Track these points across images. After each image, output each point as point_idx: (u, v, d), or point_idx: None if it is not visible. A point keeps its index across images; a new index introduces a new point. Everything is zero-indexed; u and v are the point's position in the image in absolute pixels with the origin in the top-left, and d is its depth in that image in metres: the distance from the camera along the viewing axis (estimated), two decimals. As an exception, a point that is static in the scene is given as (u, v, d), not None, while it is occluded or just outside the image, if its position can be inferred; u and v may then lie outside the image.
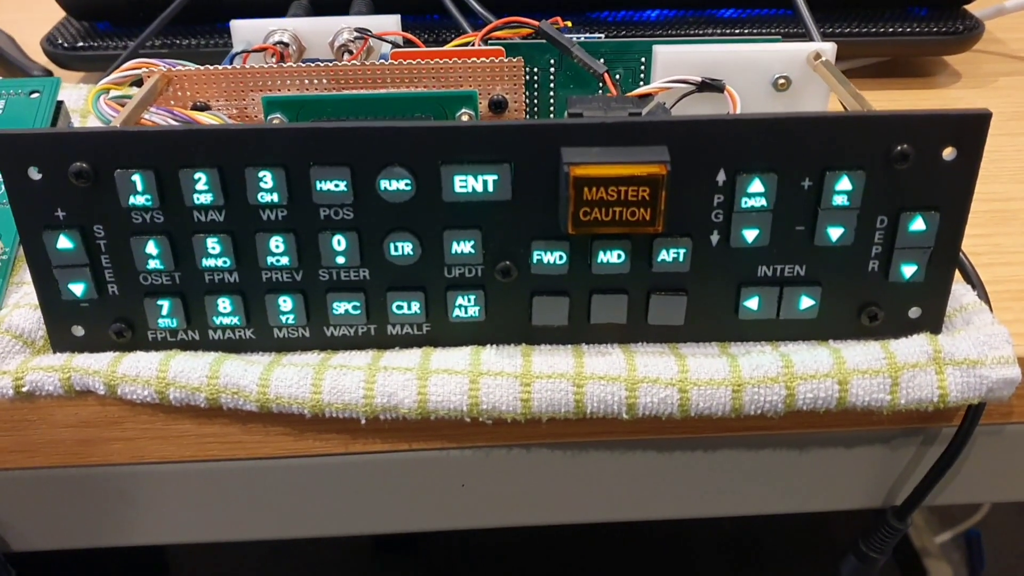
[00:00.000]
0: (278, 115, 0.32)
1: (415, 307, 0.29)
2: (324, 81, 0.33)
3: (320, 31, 0.40)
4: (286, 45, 0.39)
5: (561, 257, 0.28)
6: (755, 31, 0.47)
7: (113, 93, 0.35)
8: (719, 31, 0.47)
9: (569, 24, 0.40)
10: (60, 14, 0.49)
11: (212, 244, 0.28)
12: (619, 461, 0.31)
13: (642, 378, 0.28)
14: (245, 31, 0.40)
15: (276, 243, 0.28)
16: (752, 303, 0.29)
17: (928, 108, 0.26)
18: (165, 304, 0.29)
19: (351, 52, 0.39)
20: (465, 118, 0.32)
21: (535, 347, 0.29)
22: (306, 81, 0.33)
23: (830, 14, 0.48)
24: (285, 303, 0.29)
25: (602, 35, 0.38)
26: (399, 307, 0.29)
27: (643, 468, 0.31)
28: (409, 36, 0.36)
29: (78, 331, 0.29)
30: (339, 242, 0.28)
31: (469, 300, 0.29)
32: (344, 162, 0.27)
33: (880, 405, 0.28)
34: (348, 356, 0.29)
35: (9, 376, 0.28)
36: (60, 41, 0.47)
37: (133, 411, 0.29)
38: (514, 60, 0.33)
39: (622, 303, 0.29)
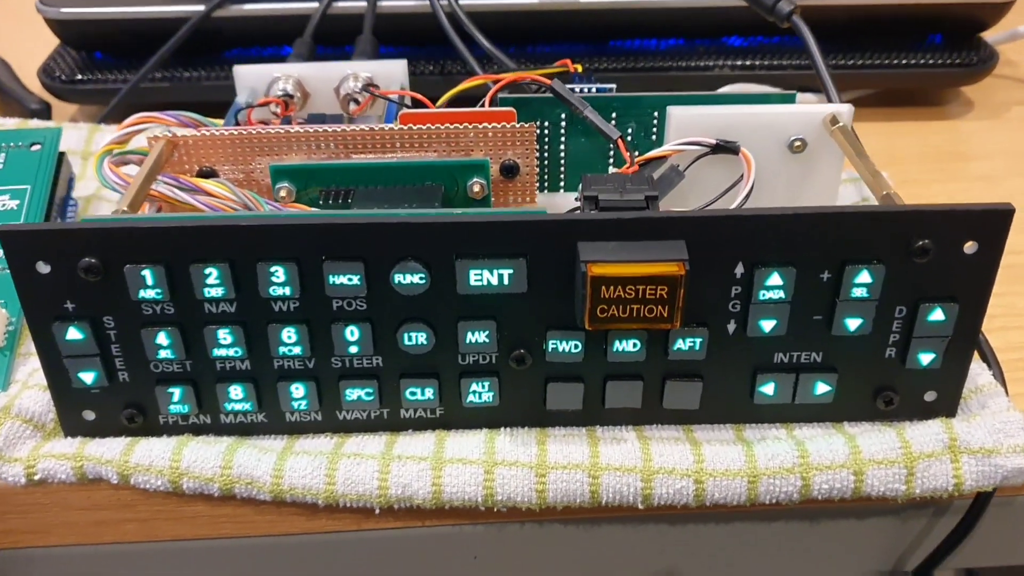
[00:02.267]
0: (285, 184, 0.32)
1: (428, 393, 0.29)
2: (332, 146, 0.33)
3: (325, 77, 0.39)
4: (291, 97, 0.38)
5: (576, 346, 0.28)
6: (764, 61, 0.47)
7: (117, 152, 0.34)
8: (729, 61, 0.47)
9: (580, 69, 0.40)
10: (54, 38, 0.48)
11: (223, 335, 0.27)
12: (632, 535, 0.31)
13: (658, 468, 0.28)
14: (248, 77, 0.39)
15: (288, 334, 0.27)
16: (768, 388, 0.29)
17: (947, 204, 0.26)
18: (176, 391, 0.28)
19: (357, 102, 0.38)
20: (476, 188, 0.32)
21: (549, 431, 0.29)
22: (314, 146, 0.33)
23: (840, 44, 0.47)
24: (297, 390, 0.28)
25: (614, 86, 0.37)
26: (412, 393, 0.29)
27: (656, 542, 0.31)
28: (417, 96, 0.36)
29: (89, 415, 0.29)
30: (352, 332, 0.27)
31: (483, 387, 0.29)
32: (357, 256, 0.26)
33: (895, 494, 0.28)
34: (361, 442, 0.29)
35: (21, 464, 0.28)
36: (58, 73, 0.46)
37: (146, 495, 0.29)
38: (526, 125, 0.32)
39: (637, 389, 0.29)
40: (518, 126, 0.32)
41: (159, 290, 0.26)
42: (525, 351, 0.28)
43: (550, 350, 0.28)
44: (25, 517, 0.30)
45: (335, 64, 0.39)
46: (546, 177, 0.37)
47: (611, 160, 0.37)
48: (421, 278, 0.26)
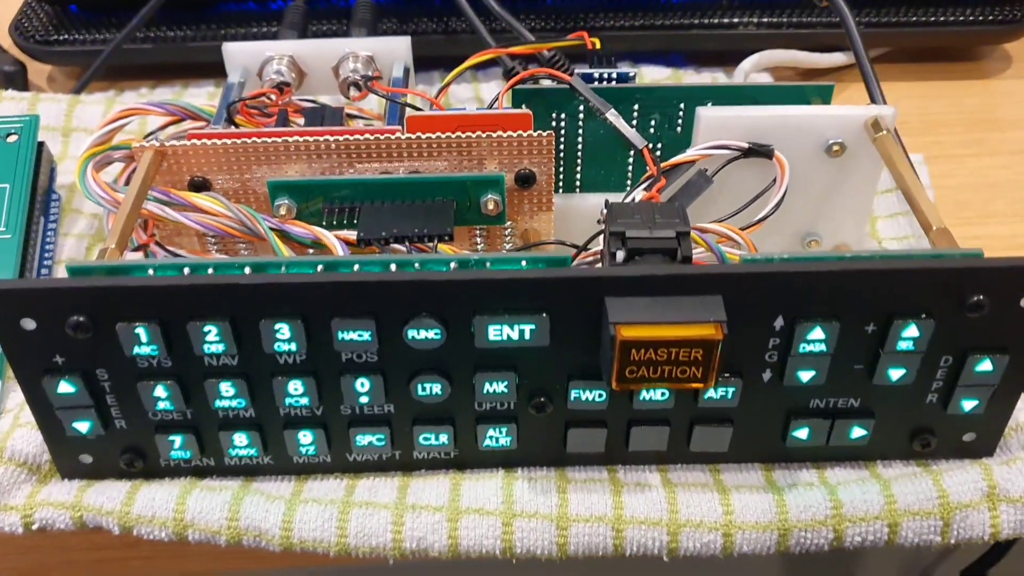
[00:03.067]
0: (285, 200, 0.30)
1: (443, 439, 0.27)
2: (334, 155, 0.30)
3: (321, 55, 0.36)
4: (286, 84, 0.35)
5: (601, 395, 0.26)
6: (792, 18, 0.43)
7: (100, 154, 0.32)
8: (755, 18, 0.43)
9: (598, 44, 0.37)
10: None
11: (226, 388, 0.26)
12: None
13: (685, 521, 0.26)
14: (239, 56, 0.36)
15: (295, 386, 0.26)
16: (801, 433, 0.27)
17: (1004, 259, 0.24)
18: (177, 439, 0.27)
19: (358, 87, 0.35)
20: (491, 205, 0.30)
21: (569, 474, 0.28)
22: (315, 155, 0.30)
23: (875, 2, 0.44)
24: (305, 436, 0.27)
25: (635, 71, 0.34)
26: (426, 439, 0.27)
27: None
28: (424, 95, 0.33)
29: (86, 459, 0.27)
30: (362, 384, 0.26)
31: (500, 432, 0.27)
32: (368, 313, 0.24)
33: (929, 544, 0.27)
34: (373, 486, 0.28)
35: (17, 512, 0.27)
36: (31, 32, 0.43)
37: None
38: (544, 134, 0.30)
39: (664, 434, 0.27)
40: (535, 135, 0.30)
41: (154, 347, 0.25)
42: (546, 399, 0.26)
43: (572, 399, 0.26)
44: (25, 557, 0.29)
45: (332, 42, 0.36)
46: (561, 172, 0.35)
47: (631, 157, 0.34)
48: (436, 334, 0.25)
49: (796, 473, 0.28)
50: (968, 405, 0.27)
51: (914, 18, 0.43)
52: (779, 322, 0.25)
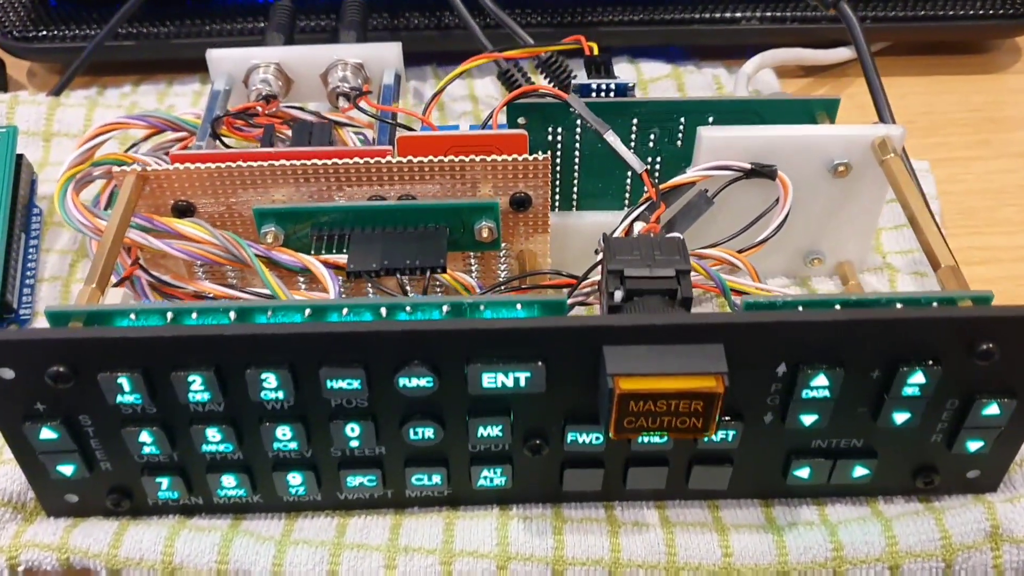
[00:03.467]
0: (272, 228, 0.29)
1: (436, 479, 0.27)
2: (322, 180, 0.29)
3: (309, 63, 0.35)
4: (273, 96, 0.34)
5: (598, 438, 0.26)
6: (796, 12, 0.42)
7: (80, 174, 0.31)
8: (757, 12, 0.42)
9: (595, 49, 0.35)
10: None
11: (212, 433, 0.25)
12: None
13: (683, 564, 0.26)
14: (224, 63, 0.35)
15: (283, 431, 0.25)
16: (803, 472, 0.27)
17: (1014, 308, 0.23)
18: (164, 480, 0.26)
19: (347, 98, 0.34)
20: (485, 232, 0.29)
21: (565, 512, 0.27)
22: (302, 179, 0.29)
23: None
24: (294, 478, 0.26)
25: (634, 82, 0.33)
26: (419, 479, 0.27)
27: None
28: (414, 114, 0.32)
29: (72, 499, 0.27)
30: (352, 429, 0.25)
31: (495, 472, 0.26)
32: (358, 362, 0.23)
33: (931, 584, 0.27)
34: (365, 526, 0.27)
35: (3, 554, 0.26)
36: (9, 28, 0.41)
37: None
38: (540, 158, 0.29)
39: (662, 473, 0.27)
40: (531, 159, 0.29)
41: (137, 395, 0.24)
42: (541, 441, 0.26)
43: (569, 441, 0.26)
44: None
45: (320, 49, 0.35)
46: (557, 187, 0.34)
47: (630, 171, 0.33)
48: (428, 381, 0.24)
49: (796, 510, 0.28)
50: (973, 446, 0.26)
51: (922, 12, 0.42)
52: (782, 368, 0.24)
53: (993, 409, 0.25)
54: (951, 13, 0.42)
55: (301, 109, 0.35)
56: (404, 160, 0.29)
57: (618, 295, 0.25)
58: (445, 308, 0.24)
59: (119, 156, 0.33)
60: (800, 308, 0.24)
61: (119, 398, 0.24)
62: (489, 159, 0.29)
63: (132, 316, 0.24)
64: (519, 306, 0.24)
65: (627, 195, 0.34)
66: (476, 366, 0.24)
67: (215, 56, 0.34)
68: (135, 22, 0.41)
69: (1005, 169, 0.40)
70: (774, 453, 0.26)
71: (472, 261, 0.31)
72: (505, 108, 0.31)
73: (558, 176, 0.34)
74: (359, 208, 0.29)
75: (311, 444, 0.26)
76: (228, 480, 0.26)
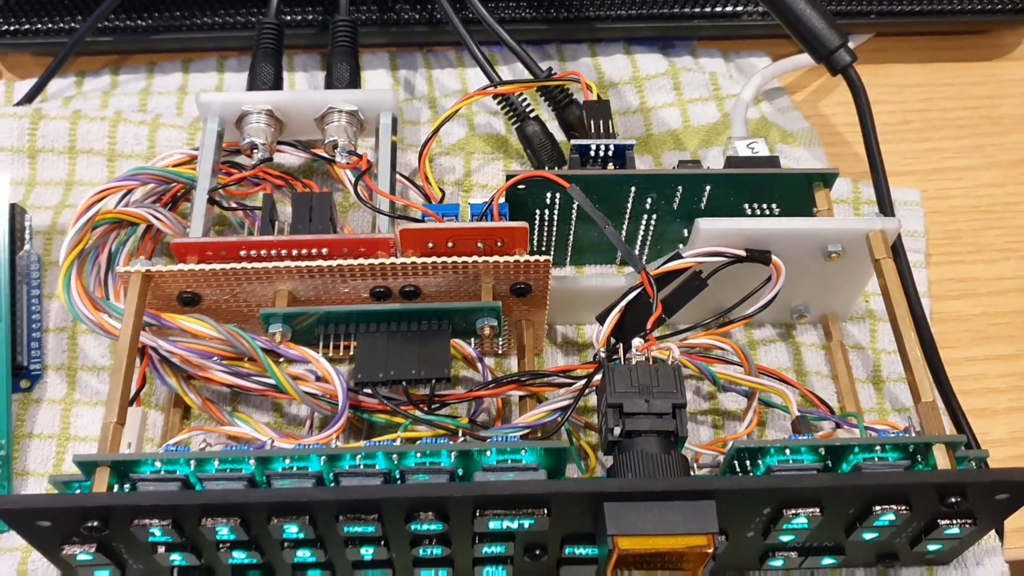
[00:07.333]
0: (279, 328, 0.29)
1: None
2: (327, 276, 0.29)
3: (303, 107, 0.34)
4: (266, 160, 0.33)
5: (594, 551, 0.28)
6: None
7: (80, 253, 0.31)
8: (758, 7, 0.40)
9: (594, 89, 0.35)
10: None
11: (239, 555, 0.27)
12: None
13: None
14: (215, 107, 0.34)
15: (303, 553, 0.27)
16: (777, 563, 0.29)
17: (990, 472, 0.25)
18: (194, 584, 0.28)
19: (344, 157, 0.33)
20: (487, 331, 0.30)
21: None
22: (306, 276, 0.29)
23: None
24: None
25: (634, 142, 0.33)
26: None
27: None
28: (416, 205, 0.31)
29: (106, 588, 0.29)
30: (366, 551, 0.27)
31: (496, 568, 0.29)
32: (372, 513, 0.25)
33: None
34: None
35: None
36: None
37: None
38: (541, 260, 0.29)
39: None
40: (532, 260, 0.29)
41: (169, 537, 0.26)
42: (541, 551, 0.28)
43: (567, 553, 0.28)
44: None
45: (313, 94, 0.34)
46: (553, 241, 0.34)
47: (625, 222, 0.34)
48: (438, 527, 0.26)
49: (769, 583, 0.31)
50: (933, 547, 0.29)
51: (928, 6, 0.41)
52: (767, 509, 0.26)
53: (954, 529, 0.27)
54: (958, 8, 0.41)
55: (295, 145, 0.35)
56: (408, 261, 0.29)
57: (617, 431, 0.27)
58: (453, 455, 0.26)
59: (115, 214, 0.33)
60: (787, 451, 0.26)
61: (151, 539, 0.26)
62: (492, 260, 0.29)
63: (157, 464, 0.25)
64: (524, 451, 0.26)
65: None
66: (483, 519, 0.25)
67: (206, 101, 0.33)
68: (114, 13, 0.39)
69: (994, 182, 0.40)
70: (753, 551, 0.29)
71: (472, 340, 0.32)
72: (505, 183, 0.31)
73: (554, 232, 0.34)
74: (363, 311, 0.29)
75: (327, 554, 0.28)
76: (256, 589, 0.29)
